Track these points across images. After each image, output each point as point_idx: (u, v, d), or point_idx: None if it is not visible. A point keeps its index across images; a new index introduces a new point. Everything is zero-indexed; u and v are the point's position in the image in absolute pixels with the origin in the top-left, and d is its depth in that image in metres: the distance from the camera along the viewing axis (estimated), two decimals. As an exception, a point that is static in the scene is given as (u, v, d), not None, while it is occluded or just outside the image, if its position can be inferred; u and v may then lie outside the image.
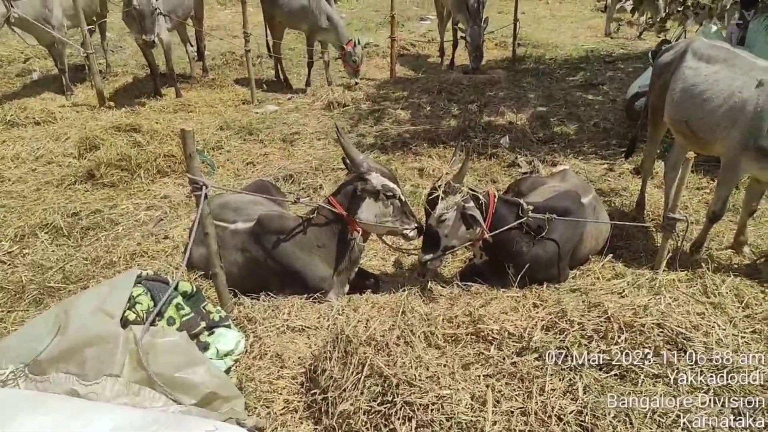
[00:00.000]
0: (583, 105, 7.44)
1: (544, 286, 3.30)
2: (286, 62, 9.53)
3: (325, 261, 3.37)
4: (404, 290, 3.08)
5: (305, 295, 3.22)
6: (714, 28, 6.76)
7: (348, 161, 3.39)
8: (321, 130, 7.02)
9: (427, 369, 2.25)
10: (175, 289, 2.52)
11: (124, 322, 2.27)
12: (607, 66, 9.19)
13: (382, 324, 2.58)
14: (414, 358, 2.38)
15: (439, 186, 3.34)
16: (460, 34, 8.43)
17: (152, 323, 2.30)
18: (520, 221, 3.41)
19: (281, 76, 8.95)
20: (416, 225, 3.44)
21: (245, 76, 8.36)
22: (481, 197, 3.36)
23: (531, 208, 3.42)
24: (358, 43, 7.92)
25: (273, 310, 3.02)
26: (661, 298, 2.85)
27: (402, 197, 3.39)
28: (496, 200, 3.43)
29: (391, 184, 3.31)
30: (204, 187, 2.70)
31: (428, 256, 3.44)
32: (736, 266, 3.70)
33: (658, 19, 6.96)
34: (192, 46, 9.25)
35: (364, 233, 3.44)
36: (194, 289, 2.66)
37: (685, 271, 3.28)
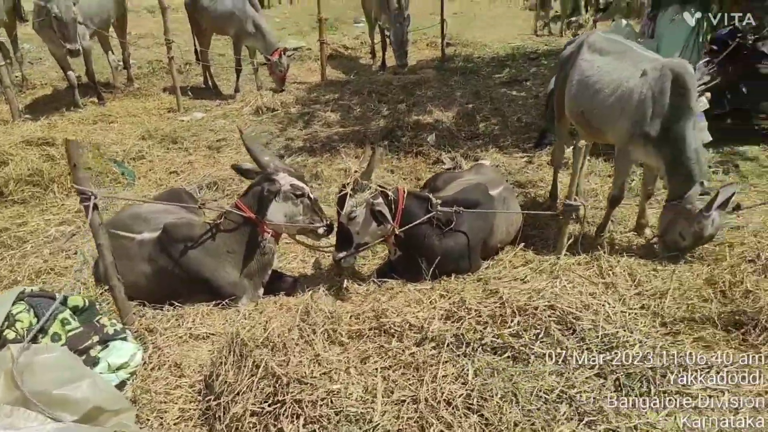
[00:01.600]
0: (507, 101, 7.65)
1: (453, 277, 3.38)
2: (216, 68, 9.38)
3: (236, 266, 3.33)
4: (311, 290, 3.08)
5: (213, 302, 3.18)
6: (624, 22, 7.09)
7: (241, 167, 3.43)
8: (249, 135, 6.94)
9: (321, 365, 2.26)
10: (63, 303, 2.44)
11: (3, 342, 2.18)
12: (532, 63, 9.49)
13: (283, 325, 2.58)
14: (312, 356, 2.40)
15: (348, 184, 3.37)
16: (386, 32, 8.53)
17: (34, 340, 2.22)
18: (429, 215, 3.48)
19: (210, 83, 8.81)
20: (327, 222, 3.46)
21: (173, 84, 8.17)
22: (390, 193, 3.41)
23: (440, 202, 3.50)
24: (285, 53, 7.87)
25: (177, 319, 2.97)
26: (557, 282, 2.97)
27: (311, 195, 3.41)
28: (405, 196, 3.48)
29: (300, 183, 3.33)
30: (93, 197, 2.63)
31: (342, 254, 3.47)
32: (635, 247, 3.90)
33: (567, 13, 7.30)
34: (114, 54, 8.96)
35: (276, 234, 3.43)
36: (86, 303, 2.58)
37: (585, 255, 3.43)
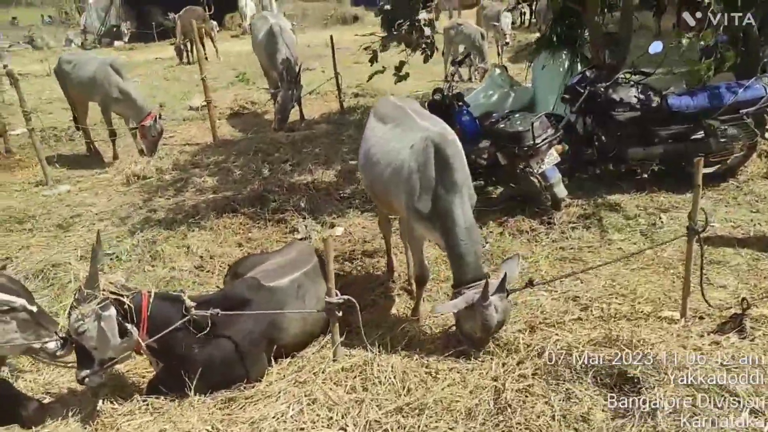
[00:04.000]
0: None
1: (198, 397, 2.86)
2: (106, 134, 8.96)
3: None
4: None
5: None
6: (498, 71, 6.88)
7: None
8: (108, 209, 6.44)
9: None
10: None
11: None
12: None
13: None
14: None
15: (74, 293, 2.88)
16: (271, 91, 8.33)
17: None
18: (184, 320, 3.00)
19: (92, 150, 8.39)
20: (60, 336, 2.95)
21: (59, 153, 7.87)
22: (126, 300, 2.92)
23: (194, 304, 3.02)
24: (160, 116, 7.52)
25: None
26: (295, 404, 2.49)
27: (31, 307, 2.88)
28: (151, 300, 2.99)
29: (4, 296, 2.80)
30: None
31: (84, 373, 2.96)
32: (440, 331, 3.40)
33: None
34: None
35: (-10, 359, 2.90)
36: None
37: (359, 356, 2.94)
